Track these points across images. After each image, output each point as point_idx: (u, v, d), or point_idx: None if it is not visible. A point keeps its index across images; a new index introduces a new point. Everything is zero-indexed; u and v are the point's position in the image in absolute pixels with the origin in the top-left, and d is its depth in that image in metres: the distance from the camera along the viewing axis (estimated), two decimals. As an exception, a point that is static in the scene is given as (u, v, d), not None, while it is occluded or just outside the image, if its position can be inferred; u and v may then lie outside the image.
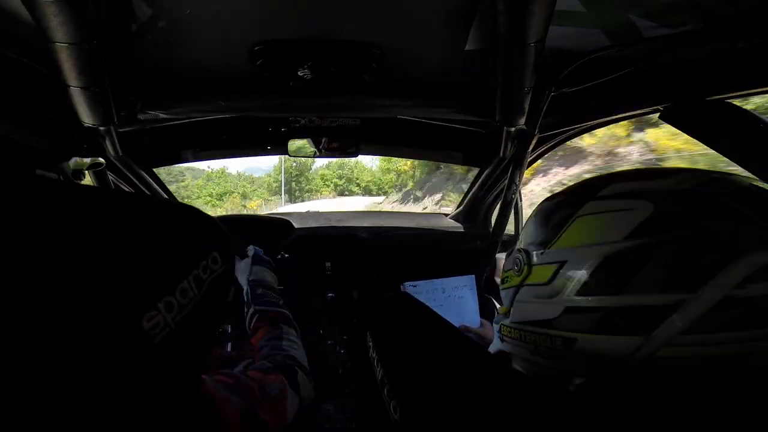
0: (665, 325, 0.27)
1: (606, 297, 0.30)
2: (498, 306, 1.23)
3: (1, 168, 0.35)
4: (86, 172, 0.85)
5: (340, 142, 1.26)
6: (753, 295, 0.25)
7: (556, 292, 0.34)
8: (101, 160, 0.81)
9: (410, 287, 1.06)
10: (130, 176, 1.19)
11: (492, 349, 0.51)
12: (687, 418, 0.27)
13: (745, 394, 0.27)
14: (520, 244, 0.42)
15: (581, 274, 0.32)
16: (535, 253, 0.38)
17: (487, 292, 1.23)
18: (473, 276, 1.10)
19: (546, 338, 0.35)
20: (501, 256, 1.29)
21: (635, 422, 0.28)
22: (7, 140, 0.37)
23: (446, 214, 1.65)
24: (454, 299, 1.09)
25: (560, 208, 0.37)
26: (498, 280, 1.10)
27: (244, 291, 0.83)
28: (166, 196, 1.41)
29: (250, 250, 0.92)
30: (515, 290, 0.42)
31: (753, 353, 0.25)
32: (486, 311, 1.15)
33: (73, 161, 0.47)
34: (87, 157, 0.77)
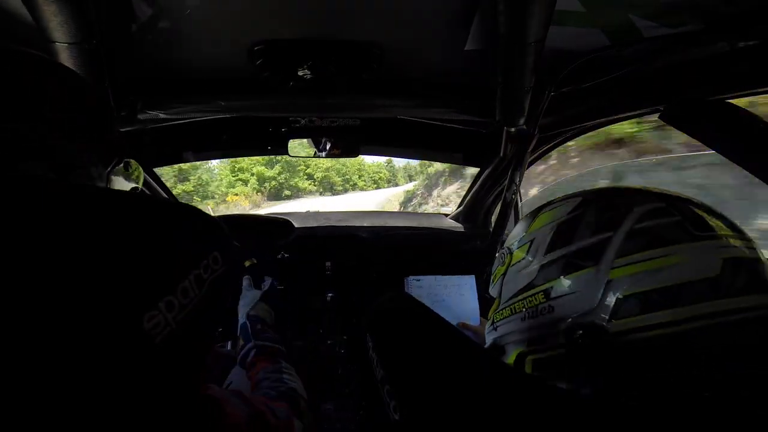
0: (605, 255, 0.41)
1: (563, 248, 0.45)
2: None
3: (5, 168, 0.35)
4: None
5: (340, 142, 1.26)
6: (647, 227, 0.41)
7: (531, 260, 0.49)
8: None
9: (413, 281, 1.07)
10: (130, 176, 1.18)
11: (486, 344, 0.56)
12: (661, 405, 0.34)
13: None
14: (504, 245, 0.56)
15: (546, 240, 0.47)
16: (514, 243, 0.53)
17: (486, 291, 1.23)
18: (473, 276, 1.10)
19: (531, 298, 0.47)
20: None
21: (624, 419, 0.32)
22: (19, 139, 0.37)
23: (446, 214, 1.65)
24: (455, 297, 1.09)
25: (529, 215, 0.55)
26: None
27: (240, 323, 0.82)
28: (166, 196, 1.42)
29: (266, 283, 0.91)
30: (503, 277, 0.53)
31: (660, 269, 0.38)
32: (487, 311, 1.15)
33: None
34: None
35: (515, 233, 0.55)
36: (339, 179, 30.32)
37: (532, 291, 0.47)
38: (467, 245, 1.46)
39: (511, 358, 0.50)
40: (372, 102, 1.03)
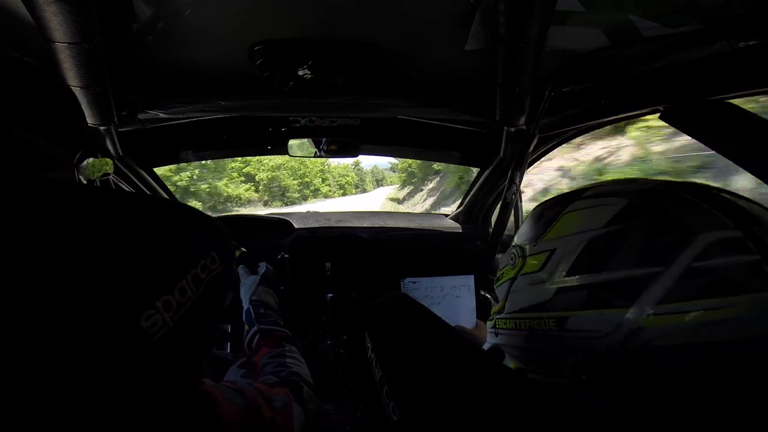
0: (645, 295, 0.32)
1: (591, 274, 0.35)
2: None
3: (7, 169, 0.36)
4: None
5: (340, 142, 1.26)
6: (711, 266, 0.31)
7: (548, 277, 0.39)
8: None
9: (410, 284, 1.06)
10: (130, 176, 1.19)
11: (485, 345, 0.53)
12: (670, 417, 0.30)
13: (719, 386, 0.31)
14: (515, 241, 0.47)
15: (570, 257, 0.37)
16: (528, 246, 0.43)
17: (486, 291, 1.23)
18: (472, 276, 1.09)
19: (540, 321, 0.39)
20: (501, 257, 1.29)
21: (624, 420, 0.30)
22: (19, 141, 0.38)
23: (446, 215, 1.65)
24: (451, 298, 1.09)
25: (550, 208, 0.43)
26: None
27: (245, 309, 0.82)
28: (166, 196, 1.42)
29: (261, 267, 0.91)
30: (510, 283, 0.45)
31: (720, 321, 0.30)
32: (483, 312, 1.15)
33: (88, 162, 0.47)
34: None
35: (531, 231, 0.44)
36: (294, 183, 23.63)
37: (544, 314, 0.39)
38: (467, 246, 1.45)
39: (510, 366, 0.47)
40: (372, 102, 1.03)
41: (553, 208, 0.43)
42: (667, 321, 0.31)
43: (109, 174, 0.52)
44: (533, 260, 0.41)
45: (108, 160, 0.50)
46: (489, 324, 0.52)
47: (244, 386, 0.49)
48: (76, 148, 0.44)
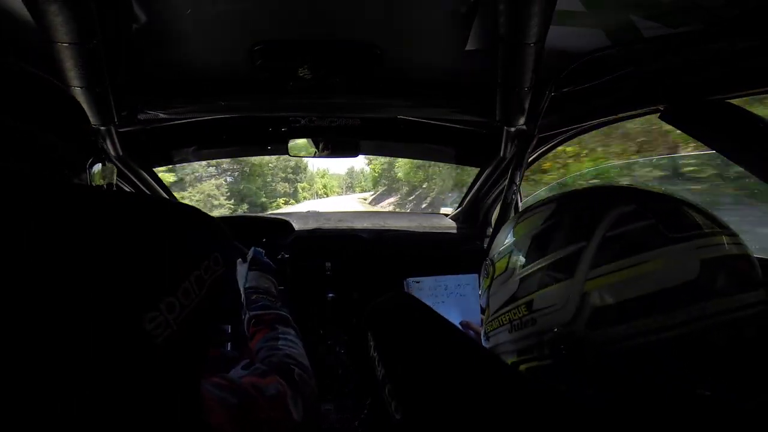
0: (579, 266, 0.40)
1: (539, 260, 0.44)
2: None
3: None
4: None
5: (339, 142, 1.26)
6: (620, 233, 0.39)
7: (511, 273, 0.48)
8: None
9: (413, 283, 1.06)
10: (131, 176, 1.19)
11: None
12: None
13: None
14: (487, 257, 0.56)
15: (523, 252, 0.47)
16: (495, 255, 0.53)
17: None
18: (476, 275, 1.09)
19: (515, 311, 0.47)
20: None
21: (624, 420, 0.32)
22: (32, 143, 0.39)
23: (446, 215, 1.65)
24: (456, 297, 1.08)
25: (508, 224, 0.54)
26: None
27: (242, 297, 0.82)
28: (166, 196, 1.41)
29: (249, 253, 0.91)
30: (488, 290, 0.53)
31: (635, 278, 0.37)
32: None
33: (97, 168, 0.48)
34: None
35: (497, 243, 0.54)
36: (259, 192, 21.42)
37: (515, 304, 0.47)
38: (467, 246, 1.45)
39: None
40: (372, 102, 1.03)
41: (510, 224, 0.54)
42: (601, 282, 0.39)
43: (113, 182, 0.53)
44: (500, 264, 0.51)
45: (113, 167, 0.51)
46: (482, 334, 0.57)
47: (233, 379, 0.48)
48: (89, 153, 0.45)
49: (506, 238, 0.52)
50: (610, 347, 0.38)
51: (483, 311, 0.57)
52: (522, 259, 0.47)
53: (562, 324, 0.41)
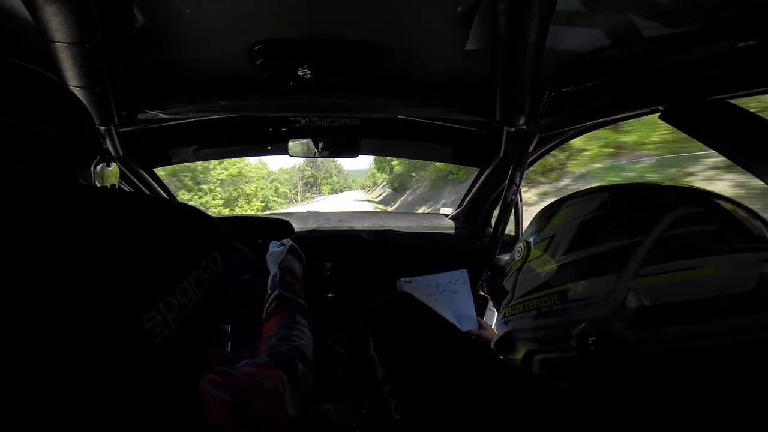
0: (630, 261, 0.38)
1: (586, 249, 0.42)
2: (494, 308, 1.23)
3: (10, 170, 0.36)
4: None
5: (340, 142, 1.26)
6: (680, 234, 0.37)
7: (550, 258, 0.46)
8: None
9: (405, 284, 1.06)
10: (131, 176, 1.19)
11: (496, 337, 0.55)
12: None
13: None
14: (521, 238, 0.53)
15: (567, 238, 0.44)
16: (532, 238, 0.50)
17: (486, 292, 1.23)
18: (466, 270, 1.09)
19: (545, 298, 0.45)
20: (503, 257, 1.29)
21: (624, 420, 0.31)
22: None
23: (446, 215, 1.65)
24: (448, 293, 1.08)
25: (549, 208, 0.51)
26: (500, 281, 1.10)
27: (272, 275, 0.84)
28: (166, 196, 1.41)
29: (287, 241, 0.96)
30: (518, 272, 0.51)
31: (689, 281, 0.35)
32: (481, 311, 1.15)
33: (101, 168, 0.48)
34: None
35: (534, 227, 0.51)
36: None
37: (547, 291, 0.44)
38: (467, 246, 1.45)
39: (519, 354, 0.49)
40: (372, 102, 1.03)
41: (551, 207, 0.50)
42: (651, 282, 0.37)
43: (115, 183, 0.53)
44: (537, 249, 0.48)
45: (115, 166, 0.51)
46: (499, 316, 0.55)
47: (230, 373, 0.48)
48: (91, 152, 0.45)
49: (547, 222, 0.48)
50: (644, 347, 0.36)
51: (486, 300, 0.55)
52: (564, 245, 0.44)
53: (599, 318, 0.39)
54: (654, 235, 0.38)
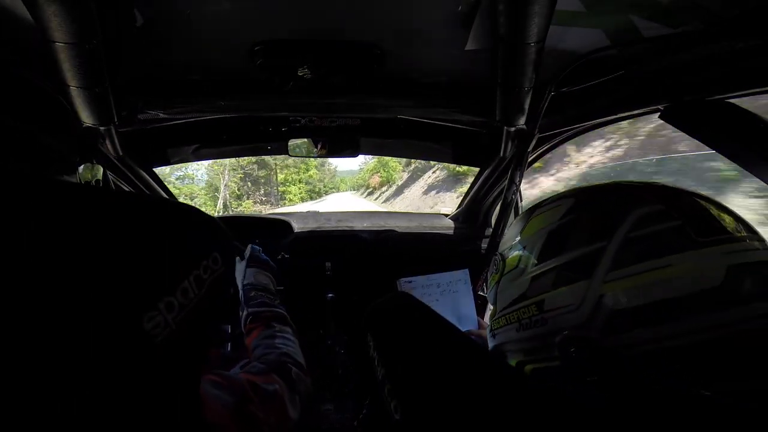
0: (598, 267, 0.38)
1: (554, 258, 0.42)
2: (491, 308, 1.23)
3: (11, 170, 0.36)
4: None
5: (339, 142, 1.26)
6: (644, 234, 0.37)
7: (523, 270, 0.46)
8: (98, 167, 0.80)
9: (405, 283, 1.06)
10: (131, 176, 1.19)
11: (489, 350, 0.54)
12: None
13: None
14: (497, 251, 0.54)
15: (536, 249, 0.44)
16: (506, 250, 0.51)
17: (485, 292, 1.23)
18: (467, 270, 1.09)
19: (524, 310, 0.45)
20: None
21: (624, 420, 0.31)
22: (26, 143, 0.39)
23: (446, 215, 1.65)
24: (449, 294, 1.08)
25: (521, 219, 0.52)
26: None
27: (240, 294, 0.83)
28: (166, 196, 1.41)
29: (247, 251, 0.91)
30: (497, 286, 0.51)
31: (657, 282, 0.35)
32: (481, 312, 1.15)
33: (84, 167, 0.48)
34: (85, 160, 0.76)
35: (507, 238, 0.52)
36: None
37: (525, 302, 0.45)
38: (467, 246, 1.45)
39: (511, 364, 0.49)
40: (372, 102, 1.03)
41: (522, 218, 0.51)
42: (620, 285, 0.37)
43: (99, 179, 0.53)
44: (511, 261, 0.48)
45: (99, 166, 0.51)
46: (488, 329, 0.55)
47: (230, 375, 0.48)
48: (78, 152, 0.45)
49: (518, 233, 0.49)
50: (622, 351, 0.36)
51: (486, 299, 0.55)
52: (535, 257, 0.44)
53: (575, 326, 0.39)
54: (617, 239, 0.38)
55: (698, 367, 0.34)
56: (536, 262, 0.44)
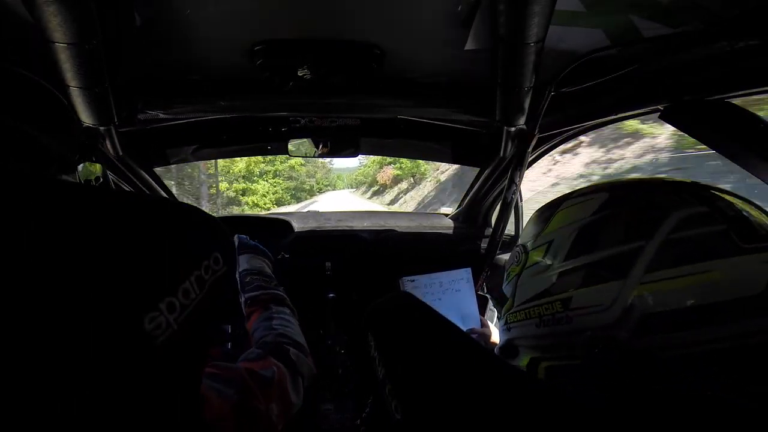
0: (634, 268, 0.36)
1: (586, 255, 0.40)
2: (494, 307, 1.23)
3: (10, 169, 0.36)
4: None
5: (339, 142, 1.26)
6: (685, 237, 0.36)
7: (548, 265, 0.43)
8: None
9: (408, 282, 1.06)
10: (131, 176, 1.19)
11: (499, 344, 0.53)
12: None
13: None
14: (519, 242, 0.51)
15: (566, 244, 0.42)
16: (530, 242, 0.48)
17: (485, 292, 1.23)
18: (469, 269, 1.09)
19: (547, 306, 0.43)
20: (502, 257, 1.29)
21: (624, 420, 0.31)
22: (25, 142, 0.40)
23: (446, 214, 1.65)
24: (451, 292, 1.08)
25: (546, 210, 0.49)
26: (499, 281, 1.10)
27: (237, 283, 0.83)
28: (166, 196, 1.41)
29: (235, 241, 0.91)
30: (517, 278, 0.49)
31: (695, 286, 0.34)
32: (483, 310, 1.15)
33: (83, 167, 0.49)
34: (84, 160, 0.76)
35: (531, 231, 0.49)
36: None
37: (550, 298, 0.42)
38: (467, 246, 1.46)
39: (524, 361, 0.48)
40: (372, 102, 1.03)
41: (548, 209, 0.48)
42: (656, 287, 0.35)
43: (99, 178, 0.53)
44: (535, 254, 0.46)
45: (98, 165, 0.51)
46: (500, 322, 0.54)
47: (228, 366, 0.48)
48: (77, 151, 0.45)
49: (545, 225, 0.46)
50: (650, 355, 0.35)
51: (486, 299, 0.54)
52: (563, 252, 0.42)
53: (602, 326, 0.37)
54: (657, 239, 0.36)
55: (736, 370, 0.33)
56: (565, 256, 0.42)
